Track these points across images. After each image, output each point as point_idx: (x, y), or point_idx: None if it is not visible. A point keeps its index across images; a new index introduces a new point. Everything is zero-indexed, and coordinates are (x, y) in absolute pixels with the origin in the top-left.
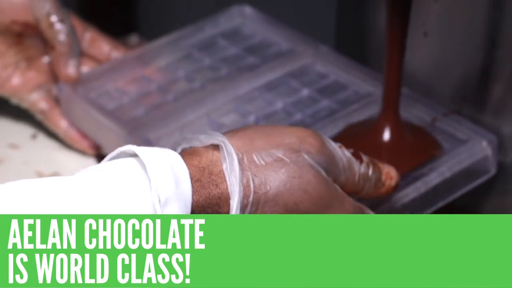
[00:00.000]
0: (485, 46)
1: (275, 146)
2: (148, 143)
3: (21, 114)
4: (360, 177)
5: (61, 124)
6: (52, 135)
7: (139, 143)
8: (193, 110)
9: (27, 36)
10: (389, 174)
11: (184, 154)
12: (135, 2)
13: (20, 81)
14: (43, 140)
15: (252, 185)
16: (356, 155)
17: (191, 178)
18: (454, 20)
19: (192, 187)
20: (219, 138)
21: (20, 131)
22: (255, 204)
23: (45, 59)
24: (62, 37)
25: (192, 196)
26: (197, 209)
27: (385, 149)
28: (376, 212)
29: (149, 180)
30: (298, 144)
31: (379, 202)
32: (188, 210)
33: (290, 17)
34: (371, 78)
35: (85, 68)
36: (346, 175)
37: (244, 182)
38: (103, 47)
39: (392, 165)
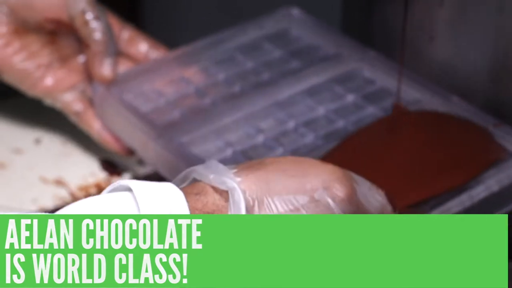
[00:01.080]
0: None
1: (294, 191)
2: (180, 147)
3: (25, 119)
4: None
5: (95, 126)
6: (55, 140)
7: (170, 147)
8: (230, 114)
9: (62, 35)
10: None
11: (190, 192)
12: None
13: (54, 81)
14: (47, 145)
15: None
16: (389, 197)
17: None
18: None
19: None
20: (228, 183)
21: (24, 136)
22: None
23: (80, 59)
24: (97, 35)
25: None
26: None
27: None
28: None
29: None
30: (322, 191)
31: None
32: None
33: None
34: (419, 85)
35: (122, 68)
36: None
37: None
38: (141, 46)
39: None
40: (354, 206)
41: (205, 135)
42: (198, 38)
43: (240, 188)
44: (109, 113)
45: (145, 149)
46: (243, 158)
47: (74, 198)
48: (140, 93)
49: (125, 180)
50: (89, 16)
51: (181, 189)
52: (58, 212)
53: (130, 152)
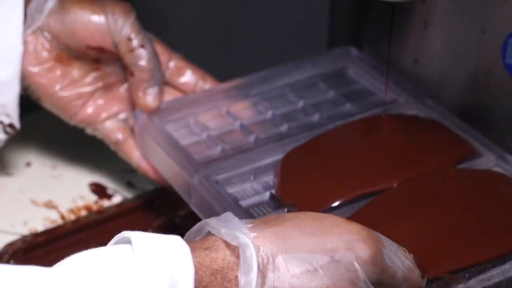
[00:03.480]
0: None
1: (312, 250)
2: (216, 185)
3: (16, 142)
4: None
5: (134, 155)
6: (46, 163)
7: (205, 185)
8: (272, 155)
9: (106, 62)
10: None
11: (200, 246)
12: None
13: (94, 110)
14: (37, 168)
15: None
16: (418, 261)
17: (199, 282)
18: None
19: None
20: (241, 238)
21: (15, 159)
22: None
23: (124, 87)
24: (142, 63)
25: None
26: None
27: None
28: None
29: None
30: (344, 251)
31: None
32: None
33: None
34: (475, 140)
35: (167, 98)
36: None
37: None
38: (189, 77)
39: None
40: (379, 268)
41: (243, 175)
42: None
43: (253, 244)
44: (148, 142)
45: (179, 184)
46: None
47: (65, 221)
48: (183, 125)
49: (130, 232)
50: (135, 43)
51: (191, 243)
52: (58, 264)
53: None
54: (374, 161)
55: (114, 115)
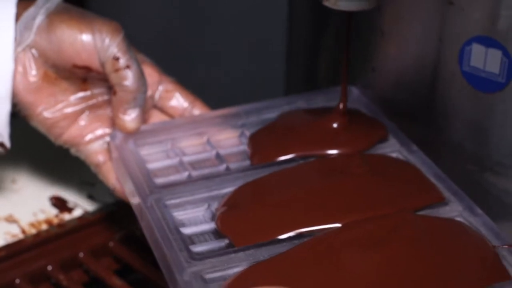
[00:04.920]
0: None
1: None
2: (163, 208)
3: None
4: None
5: (111, 178)
6: (5, 177)
7: (154, 207)
8: (232, 185)
9: (93, 83)
10: None
11: None
12: None
13: (79, 131)
14: None
15: None
16: None
17: None
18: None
19: None
20: None
21: None
22: None
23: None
24: (126, 83)
25: None
26: None
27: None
28: None
29: None
30: None
31: None
32: None
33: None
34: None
35: (154, 121)
36: None
37: None
38: (178, 101)
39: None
40: None
41: (197, 202)
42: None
43: None
44: (118, 163)
45: (135, 205)
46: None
47: (26, 235)
48: (159, 148)
49: None
50: (121, 63)
51: None
52: None
53: None
54: (328, 200)
55: (99, 138)
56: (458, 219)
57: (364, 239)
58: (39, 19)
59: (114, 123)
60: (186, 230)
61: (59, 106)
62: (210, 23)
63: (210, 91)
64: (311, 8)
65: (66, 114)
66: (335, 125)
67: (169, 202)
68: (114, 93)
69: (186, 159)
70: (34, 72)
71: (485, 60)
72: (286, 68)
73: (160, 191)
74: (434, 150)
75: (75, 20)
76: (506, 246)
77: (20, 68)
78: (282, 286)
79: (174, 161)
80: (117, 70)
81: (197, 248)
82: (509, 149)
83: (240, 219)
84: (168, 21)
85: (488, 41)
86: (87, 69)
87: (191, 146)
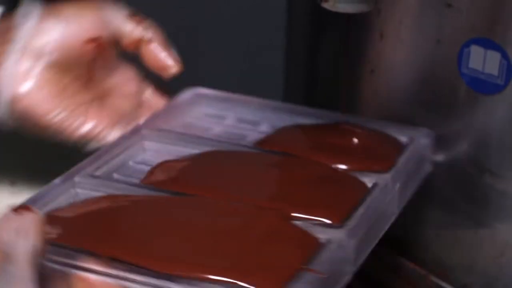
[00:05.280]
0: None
1: None
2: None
3: None
4: None
5: None
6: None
7: None
8: None
9: (98, 73)
10: None
11: None
12: None
13: (94, 125)
14: None
15: None
16: None
17: None
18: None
19: None
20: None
21: None
22: None
23: (115, 101)
24: (150, 33)
25: None
26: None
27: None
28: None
29: None
30: None
31: None
32: None
33: None
34: None
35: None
36: None
37: None
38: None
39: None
40: None
41: None
42: None
43: None
44: None
45: None
46: None
47: None
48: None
49: None
50: (136, 19)
51: None
52: None
53: None
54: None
55: (112, 127)
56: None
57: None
58: (36, 11)
59: (159, 69)
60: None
61: (67, 103)
62: (207, 25)
63: None
64: (310, 10)
65: (76, 112)
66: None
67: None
68: (145, 43)
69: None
70: (36, 71)
71: (484, 62)
72: (285, 71)
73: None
74: (432, 152)
75: (79, 4)
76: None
77: (22, 70)
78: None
79: None
80: (139, 22)
81: None
82: (508, 151)
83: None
84: (164, 21)
85: (487, 43)
86: (97, 42)
87: None
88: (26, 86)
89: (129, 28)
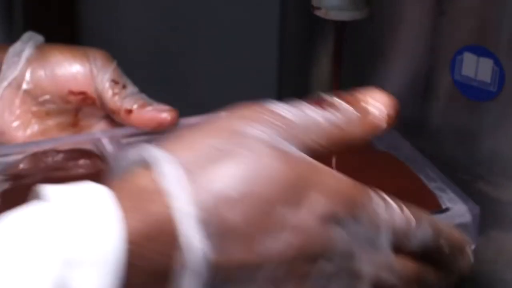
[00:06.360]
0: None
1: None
2: None
3: None
4: (327, 124)
5: None
6: None
7: None
8: None
9: (84, 117)
10: (380, 101)
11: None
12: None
13: None
14: None
15: (201, 183)
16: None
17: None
18: None
19: (123, 213)
20: (152, 153)
21: None
22: (212, 207)
23: None
24: (137, 96)
25: (124, 225)
26: (135, 246)
27: None
28: None
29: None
30: (240, 124)
31: None
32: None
33: None
34: None
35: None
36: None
37: (188, 183)
38: None
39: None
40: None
41: None
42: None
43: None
44: None
45: None
46: None
47: None
48: None
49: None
50: (120, 85)
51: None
52: None
53: None
54: None
55: None
56: None
57: None
58: (28, 51)
59: (158, 124)
60: None
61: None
62: (200, 31)
63: (199, 98)
64: (302, 18)
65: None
66: None
67: None
68: (129, 112)
69: None
70: (23, 108)
71: (476, 69)
72: (278, 80)
73: None
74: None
75: (67, 49)
76: None
77: (7, 105)
78: None
79: None
80: (116, 93)
81: None
82: (501, 158)
83: None
84: (157, 30)
85: (480, 50)
86: (83, 95)
87: None
88: (12, 121)
89: (109, 96)
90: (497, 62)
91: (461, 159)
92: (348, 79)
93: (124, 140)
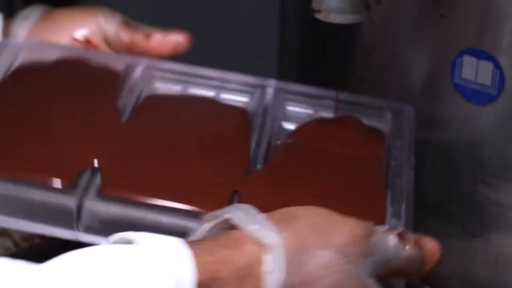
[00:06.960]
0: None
1: (325, 245)
2: None
3: None
4: (406, 261)
5: None
6: None
7: None
8: None
9: None
10: (432, 249)
11: (221, 245)
12: None
13: None
14: None
15: None
16: (401, 235)
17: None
18: None
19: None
20: (269, 235)
21: None
22: None
23: None
24: (148, 28)
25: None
26: None
27: None
28: None
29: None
30: (349, 246)
31: None
32: None
33: None
34: None
35: None
36: (392, 264)
37: None
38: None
39: None
40: (374, 255)
41: None
42: None
43: (282, 244)
44: None
45: None
46: None
47: (18, 248)
48: None
49: (131, 234)
50: (131, 23)
51: (210, 241)
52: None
53: None
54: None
55: None
56: None
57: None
58: (36, 13)
59: (172, 48)
60: None
61: None
62: (200, 32)
63: None
64: (302, 21)
65: None
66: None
67: None
68: (149, 36)
69: None
70: None
71: (476, 72)
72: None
73: None
74: (426, 162)
75: (75, 8)
76: None
77: None
78: None
79: None
80: (131, 29)
81: None
82: (501, 160)
83: None
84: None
85: (480, 53)
86: (87, 43)
87: None
88: None
89: (124, 32)
90: (497, 65)
91: (461, 162)
92: (349, 81)
93: (157, 74)
